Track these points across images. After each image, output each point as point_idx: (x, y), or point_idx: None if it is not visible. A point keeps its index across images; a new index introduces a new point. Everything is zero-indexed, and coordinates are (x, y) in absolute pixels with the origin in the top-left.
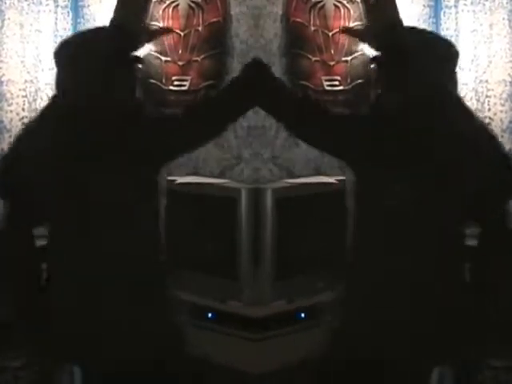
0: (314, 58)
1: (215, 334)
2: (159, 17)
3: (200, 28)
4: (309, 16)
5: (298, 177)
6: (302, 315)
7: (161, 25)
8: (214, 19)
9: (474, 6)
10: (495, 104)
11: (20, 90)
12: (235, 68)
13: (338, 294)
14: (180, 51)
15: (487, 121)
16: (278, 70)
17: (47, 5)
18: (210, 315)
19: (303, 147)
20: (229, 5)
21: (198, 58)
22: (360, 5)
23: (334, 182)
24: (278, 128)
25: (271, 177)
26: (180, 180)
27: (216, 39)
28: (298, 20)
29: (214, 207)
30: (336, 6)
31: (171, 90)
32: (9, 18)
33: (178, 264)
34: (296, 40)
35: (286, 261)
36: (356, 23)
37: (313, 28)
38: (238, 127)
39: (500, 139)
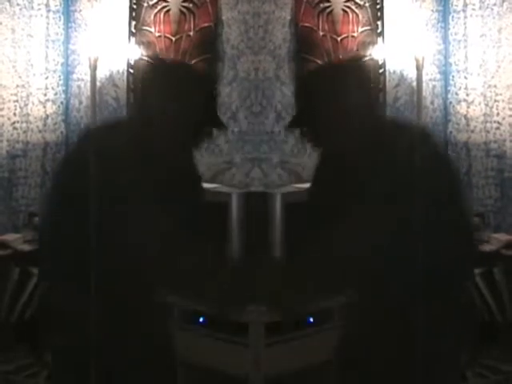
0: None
1: (207, 338)
2: (151, 22)
3: (191, 33)
4: (317, 21)
5: (307, 181)
6: (311, 320)
7: (152, 30)
8: (206, 24)
9: (483, 11)
10: (504, 108)
11: (11, 94)
12: (226, 73)
13: (348, 298)
14: (171, 56)
15: (495, 125)
16: (286, 74)
17: (39, 9)
18: (201, 320)
19: (312, 152)
20: (220, 10)
21: (190, 63)
22: (369, 10)
23: None
24: (286, 133)
25: (280, 181)
26: None
27: (207, 44)
28: (307, 25)
29: (205, 211)
30: (344, 11)
31: None
32: (0, 23)
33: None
34: (304, 45)
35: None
36: (365, 28)
37: (321, 33)
38: (229, 132)
39: (508, 144)
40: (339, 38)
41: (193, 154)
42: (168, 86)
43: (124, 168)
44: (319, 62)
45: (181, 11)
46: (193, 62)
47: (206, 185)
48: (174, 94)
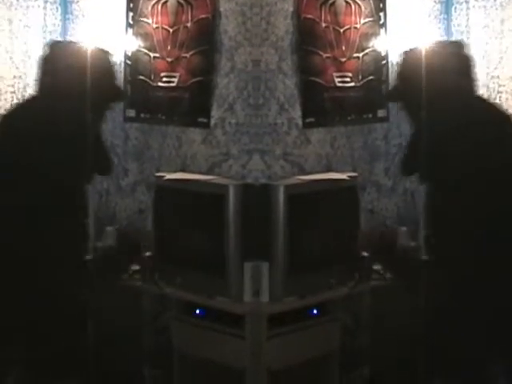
0: (325, 55)
1: (203, 329)
2: (148, 13)
3: (189, 24)
4: (320, 12)
5: (310, 173)
6: (314, 311)
7: (149, 21)
8: (203, 16)
9: (485, 2)
10: (507, 99)
11: (8, 85)
12: (223, 65)
13: (350, 289)
14: (169, 47)
15: None
16: (289, 66)
17: (36, 0)
18: (198, 311)
19: (315, 144)
20: (218, 1)
21: (187, 55)
22: (371, 1)
23: (346, 178)
24: (289, 125)
25: (283, 173)
26: (168, 176)
27: (205, 36)
28: (309, 16)
29: (202, 203)
30: (347, 2)
31: (160, 87)
32: None
33: (166, 259)
34: (307, 37)
35: (298, 257)
36: (367, 19)
37: (324, 24)
38: (226, 123)
39: None
40: (342, 30)
41: (100, 126)
42: (73, 65)
43: (36, 142)
44: (322, 53)
45: (178, 2)
46: (190, 53)
47: (203, 176)
48: (78, 72)
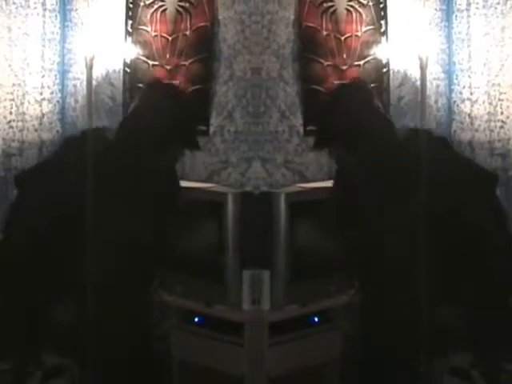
0: (326, 63)
1: (202, 337)
2: (147, 21)
3: (188, 32)
4: (321, 21)
5: (311, 181)
6: (315, 319)
7: (148, 29)
8: (202, 24)
9: (486, 10)
10: (508, 107)
11: (7, 93)
12: (222, 72)
13: (350, 297)
14: (168, 55)
15: (500, 124)
16: (290, 74)
17: (35, 8)
18: (196, 319)
19: (316, 152)
20: (216, 10)
21: (186, 63)
22: (372, 9)
23: None
24: (290, 133)
25: (284, 181)
26: None
27: (203, 44)
28: (310, 25)
29: (201, 211)
30: (348, 11)
31: None
32: None
33: (165, 267)
34: (308, 45)
35: (299, 265)
36: (368, 27)
37: (325, 32)
38: (225, 131)
39: None
40: (343, 38)
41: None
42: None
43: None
44: (323, 61)
45: (177, 11)
46: (189, 61)
47: (202, 184)
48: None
